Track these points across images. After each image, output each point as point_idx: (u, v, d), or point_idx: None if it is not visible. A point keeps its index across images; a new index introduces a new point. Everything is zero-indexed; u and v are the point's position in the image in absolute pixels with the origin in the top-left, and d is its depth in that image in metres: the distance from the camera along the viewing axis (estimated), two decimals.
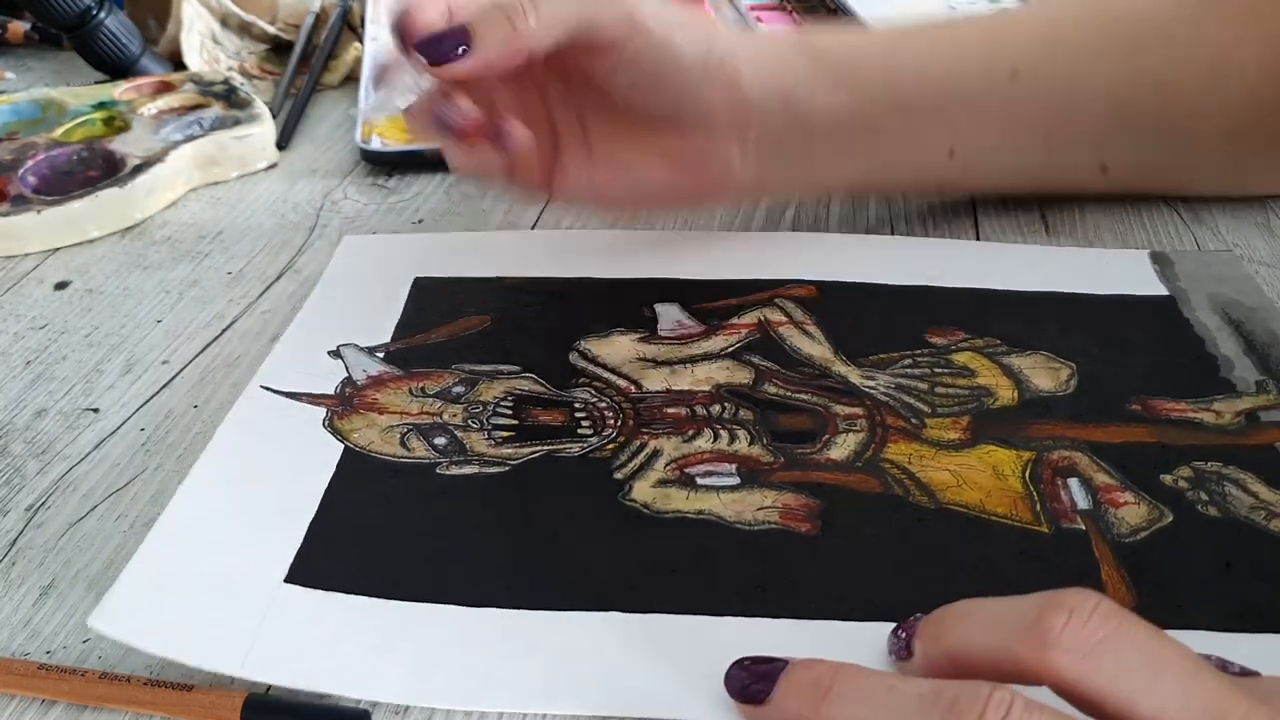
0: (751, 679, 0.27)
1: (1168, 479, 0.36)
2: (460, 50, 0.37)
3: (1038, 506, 0.35)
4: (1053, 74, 0.46)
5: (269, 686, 0.30)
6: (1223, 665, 0.26)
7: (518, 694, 0.29)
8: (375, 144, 0.60)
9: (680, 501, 0.35)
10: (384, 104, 0.40)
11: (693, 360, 0.42)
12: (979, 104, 0.46)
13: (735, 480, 0.36)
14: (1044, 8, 0.49)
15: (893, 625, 0.29)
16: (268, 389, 0.41)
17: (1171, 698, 0.23)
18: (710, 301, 0.45)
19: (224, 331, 0.46)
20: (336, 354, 0.43)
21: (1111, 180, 0.50)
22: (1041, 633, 0.24)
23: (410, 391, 0.41)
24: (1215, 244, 0.49)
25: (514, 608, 0.31)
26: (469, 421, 0.39)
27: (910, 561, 0.33)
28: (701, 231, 0.52)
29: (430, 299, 0.46)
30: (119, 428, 0.41)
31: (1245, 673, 0.26)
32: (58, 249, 0.53)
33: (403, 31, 0.38)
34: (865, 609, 0.31)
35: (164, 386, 0.43)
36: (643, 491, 0.36)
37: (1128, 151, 0.49)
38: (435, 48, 0.38)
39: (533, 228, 0.53)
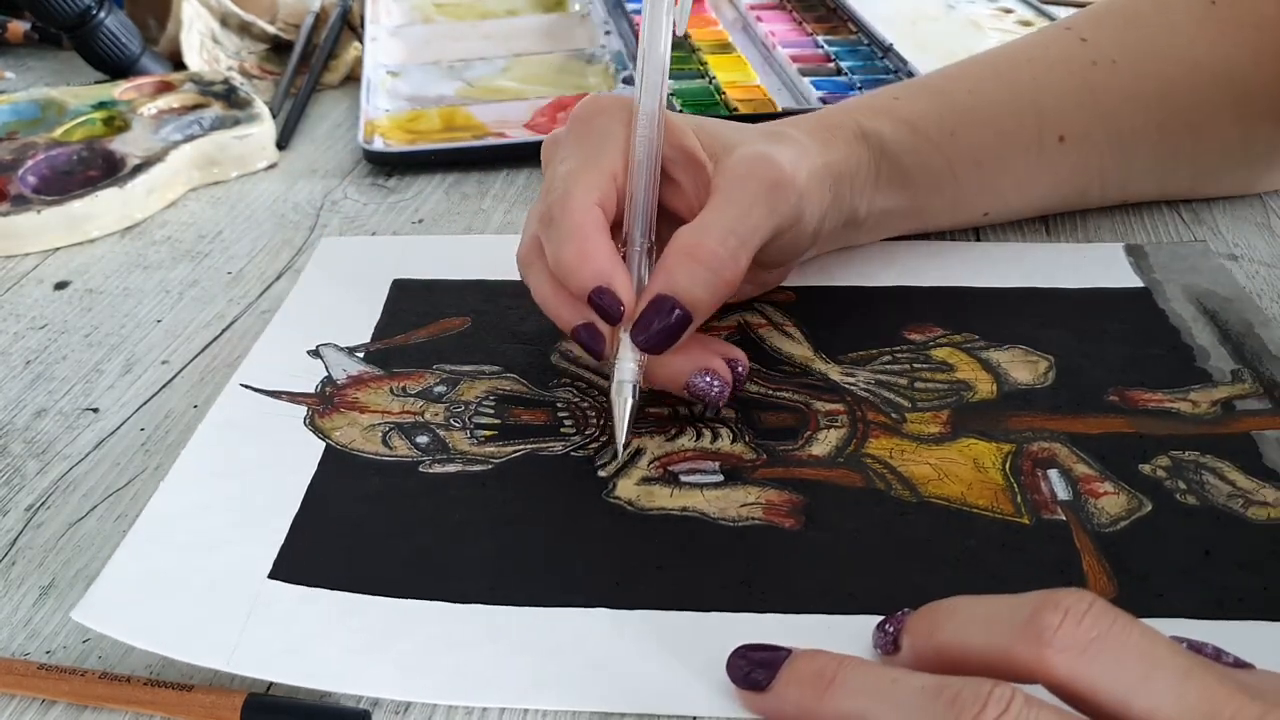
0: (753, 666, 0.28)
1: (1146, 469, 0.36)
2: (680, 328, 0.36)
3: (1018, 498, 0.35)
4: (1102, 133, 0.48)
5: (269, 685, 0.30)
6: (1217, 655, 0.26)
7: (507, 690, 0.29)
8: (378, 144, 0.60)
9: (664, 499, 0.35)
10: (621, 376, 0.37)
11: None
12: (1025, 173, 0.48)
13: (719, 477, 0.36)
14: (1078, 47, 0.49)
15: (879, 618, 0.29)
16: (248, 387, 0.41)
17: (1165, 696, 0.23)
18: None
19: (224, 331, 0.46)
20: (316, 354, 0.43)
21: (1125, 200, 0.52)
22: (1037, 631, 0.24)
23: (391, 391, 0.41)
24: (1216, 244, 0.49)
25: (500, 604, 0.32)
26: (451, 421, 0.39)
27: (894, 555, 0.33)
28: None
29: (409, 300, 0.46)
30: (119, 428, 0.41)
31: (1240, 664, 0.26)
32: (57, 249, 0.53)
33: (609, 319, 0.36)
34: (850, 602, 0.32)
35: (164, 386, 0.43)
36: (627, 489, 0.36)
37: (1152, 183, 0.51)
38: (663, 339, 0.36)
39: None
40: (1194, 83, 0.48)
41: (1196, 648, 0.26)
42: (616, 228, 0.38)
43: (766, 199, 0.38)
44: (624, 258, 0.38)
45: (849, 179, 0.43)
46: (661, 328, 0.36)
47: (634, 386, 0.36)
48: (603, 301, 0.36)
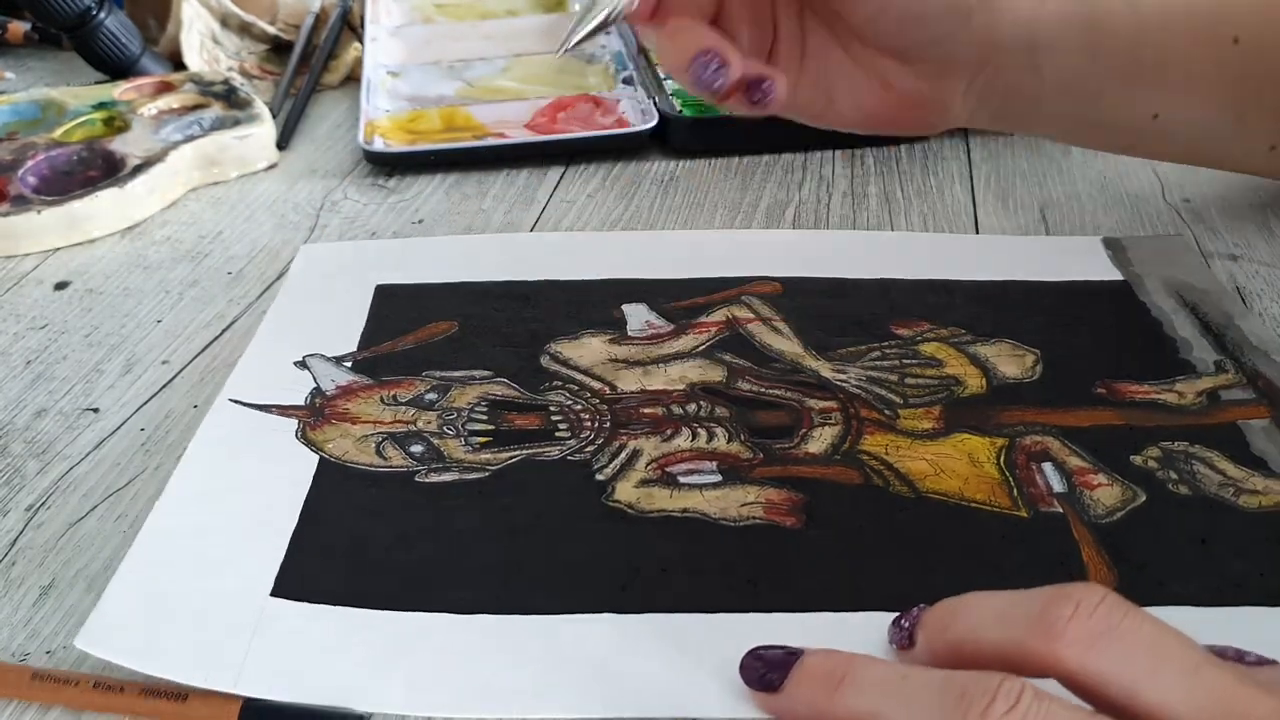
0: (766, 667, 0.28)
1: (1138, 460, 0.36)
2: None
3: (1015, 492, 0.35)
4: (1273, 42, 0.45)
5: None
6: (1239, 656, 0.26)
7: (516, 700, 0.29)
8: (378, 144, 0.60)
9: (664, 501, 0.35)
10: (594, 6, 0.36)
11: (665, 360, 0.42)
12: (1197, 69, 0.45)
13: (717, 478, 0.36)
14: None
15: (884, 613, 0.29)
16: (237, 402, 0.40)
17: (1175, 689, 0.23)
18: (677, 301, 0.45)
19: (224, 331, 0.46)
20: (303, 365, 0.42)
21: (1274, 162, 0.49)
22: (1048, 624, 0.24)
23: (382, 400, 0.40)
24: (1215, 243, 0.49)
25: (506, 614, 0.31)
26: (444, 428, 0.39)
27: (895, 551, 0.33)
28: (664, 231, 0.52)
29: (394, 306, 0.46)
30: (119, 428, 0.41)
31: (1263, 661, 0.26)
32: (58, 249, 0.53)
33: None
34: (855, 599, 0.32)
35: (164, 386, 0.43)
36: (626, 492, 0.36)
37: None
38: None
39: (532, 229, 0.53)
40: None
41: (1219, 652, 0.26)
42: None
43: None
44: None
45: (1033, 7, 0.40)
46: None
47: (614, 9, 0.36)
48: None
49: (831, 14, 0.40)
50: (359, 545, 0.34)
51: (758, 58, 0.40)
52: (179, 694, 0.29)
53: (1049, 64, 0.42)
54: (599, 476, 0.36)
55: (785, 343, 0.43)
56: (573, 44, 0.36)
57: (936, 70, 0.41)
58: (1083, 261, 0.47)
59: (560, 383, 0.41)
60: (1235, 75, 0.45)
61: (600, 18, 0.35)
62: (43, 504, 0.37)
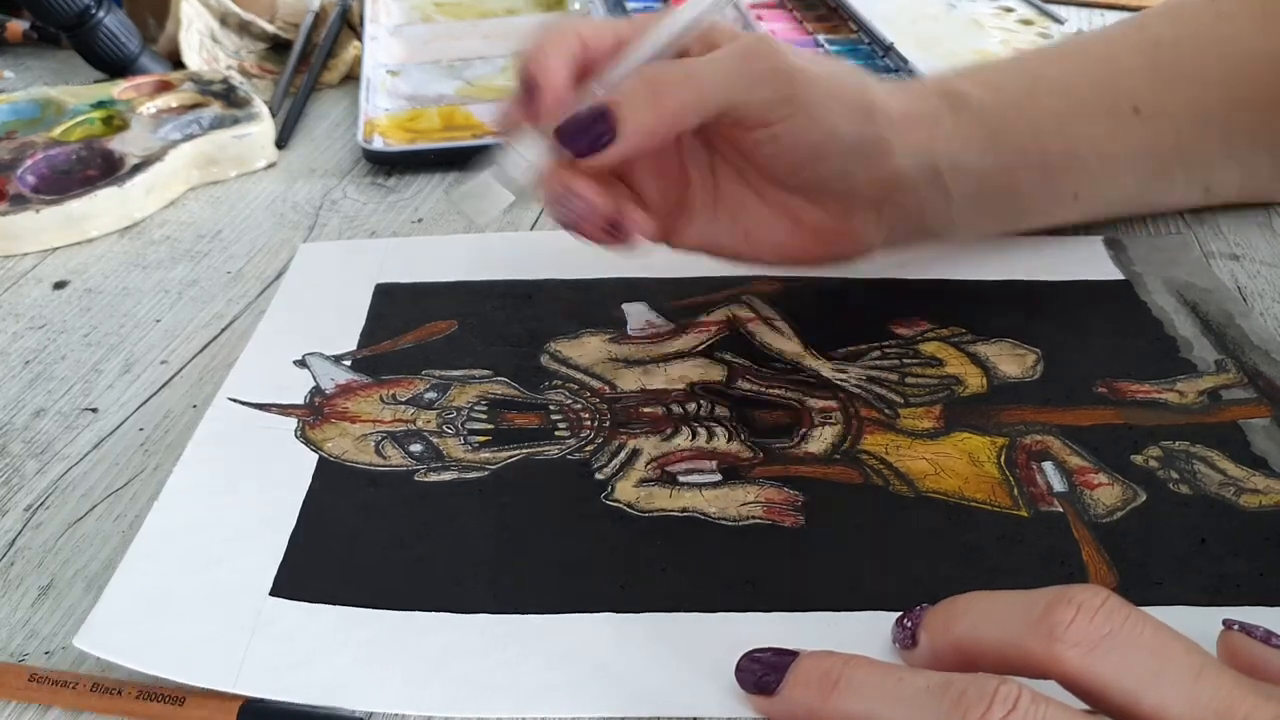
0: (763, 670, 0.28)
1: (1138, 459, 0.36)
2: (604, 140, 0.34)
3: (1015, 491, 0.35)
4: (1173, 107, 0.47)
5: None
6: (1267, 637, 0.27)
7: (514, 699, 0.29)
8: (377, 143, 0.60)
9: (664, 500, 0.35)
10: (494, 181, 0.36)
11: (665, 359, 0.42)
12: (1107, 145, 0.46)
13: (717, 477, 0.36)
14: (1139, 32, 0.49)
15: (883, 613, 0.29)
16: (235, 401, 0.40)
17: (1176, 692, 0.23)
18: (677, 300, 0.45)
19: (223, 331, 0.46)
20: (302, 363, 0.42)
21: (1212, 197, 0.50)
22: (1049, 626, 0.24)
23: (381, 399, 0.40)
24: (1216, 243, 0.49)
25: (505, 613, 0.31)
26: (444, 427, 0.39)
27: (895, 550, 0.33)
28: None
29: (393, 305, 0.46)
30: (118, 427, 0.41)
31: None
32: (56, 248, 0.53)
33: (530, 100, 0.35)
34: (854, 599, 0.32)
35: (163, 386, 0.43)
36: (625, 491, 0.36)
37: (1234, 171, 0.50)
38: (578, 139, 0.35)
39: (532, 229, 0.53)
40: (1255, 70, 0.47)
41: (1248, 630, 0.27)
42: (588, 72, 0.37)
43: (738, 59, 0.37)
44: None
45: (926, 126, 0.41)
46: (582, 119, 0.35)
47: (526, 164, 0.36)
48: (526, 76, 0.36)
49: (739, 158, 0.40)
50: (358, 544, 0.34)
51: (671, 207, 0.40)
52: (176, 697, 0.29)
53: (955, 182, 0.42)
54: (598, 476, 0.36)
55: (785, 342, 0.43)
56: (481, 223, 0.38)
57: (843, 206, 0.41)
58: (1084, 260, 0.47)
59: (560, 382, 0.41)
60: (1145, 143, 0.47)
61: (502, 199, 0.37)
62: (41, 504, 0.37)
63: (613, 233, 0.37)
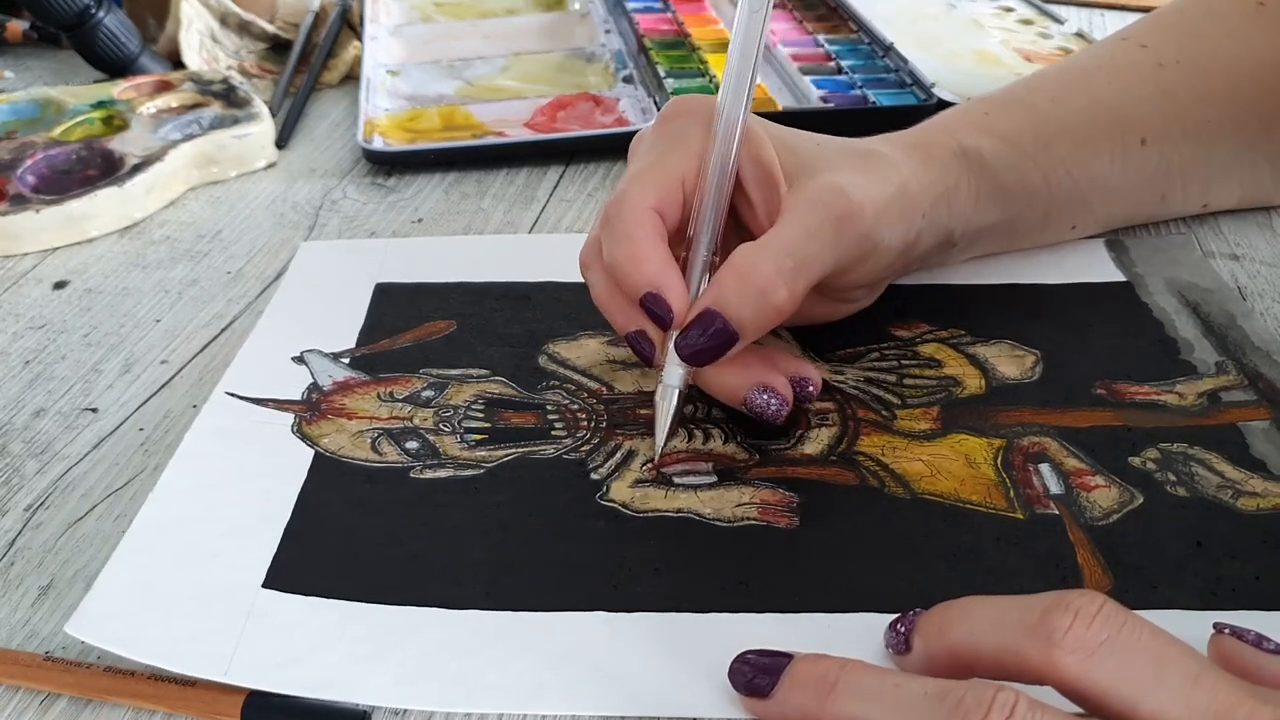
0: (756, 672, 0.28)
1: (1136, 461, 0.36)
2: (725, 349, 0.35)
3: (1011, 493, 0.35)
4: (1179, 132, 0.47)
5: None
6: (1259, 641, 0.27)
7: (505, 695, 0.29)
8: (377, 143, 0.60)
9: (659, 500, 0.35)
10: (667, 389, 0.37)
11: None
12: (1112, 179, 0.47)
13: (712, 478, 0.36)
14: (1142, 54, 0.49)
15: (877, 615, 0.29)
16: (233, 395, 0.40)
17: (1174, 699, 0.23)
18: None
19: (223, 331, 0.46)
20: (300, 360, 0.42)
21: (1208, 210, 0.51)
22: (1046, 632, 0.24)
23: (379, 396, 0.40)
24: (1217, 243, 0.49)
25: (498, 610, 0.31)
26: (440, 425, 0.39)
27: (889, 552, 0.33)
28: None
29: (393, 304, 0.46)
30: (118, 427, 0.41)
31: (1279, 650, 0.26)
32: (56, 248, 0.53)
33: (659, 318, 0.36)
34: (848, 601, 0.32)
35: (163, 386, 0.43)
36: (620, 491, 0.36)
37: (1234, 185, 0.50)
38: (706, 355, 0.35)
39: (531, 228, 0.53)
40: (1259, 79, 0.48)
41: (1239, 634, 0.27)
42: (680, 232, 0.38)
43: (831, 231, 0.37)
44: (687, 262, 0.37)
45: (946, 199, 0.42)
46: (705, 345, 0.35)
47: (678, 392, 0.36)
48: (654, 307, 0.35)
49: None
50: (352, 539, 0.34)
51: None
52: (187, 680, 0.30)
53: (964, 237, 0.44)
54: (594, 476, 0.36)
55: (783, 344, 0.43)
56: (662, 448, 0.37)
57: (867, 291, 0.43)
58: (1085, 262, 0.47)
59: (557, 382, 0.41)
60: (1149, 172, 0.48)
61: (674, 405, 0.37)
62: (41, 504, 0.37)
63: (802, 401, 0.38)
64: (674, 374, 0.36)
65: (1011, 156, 0.44)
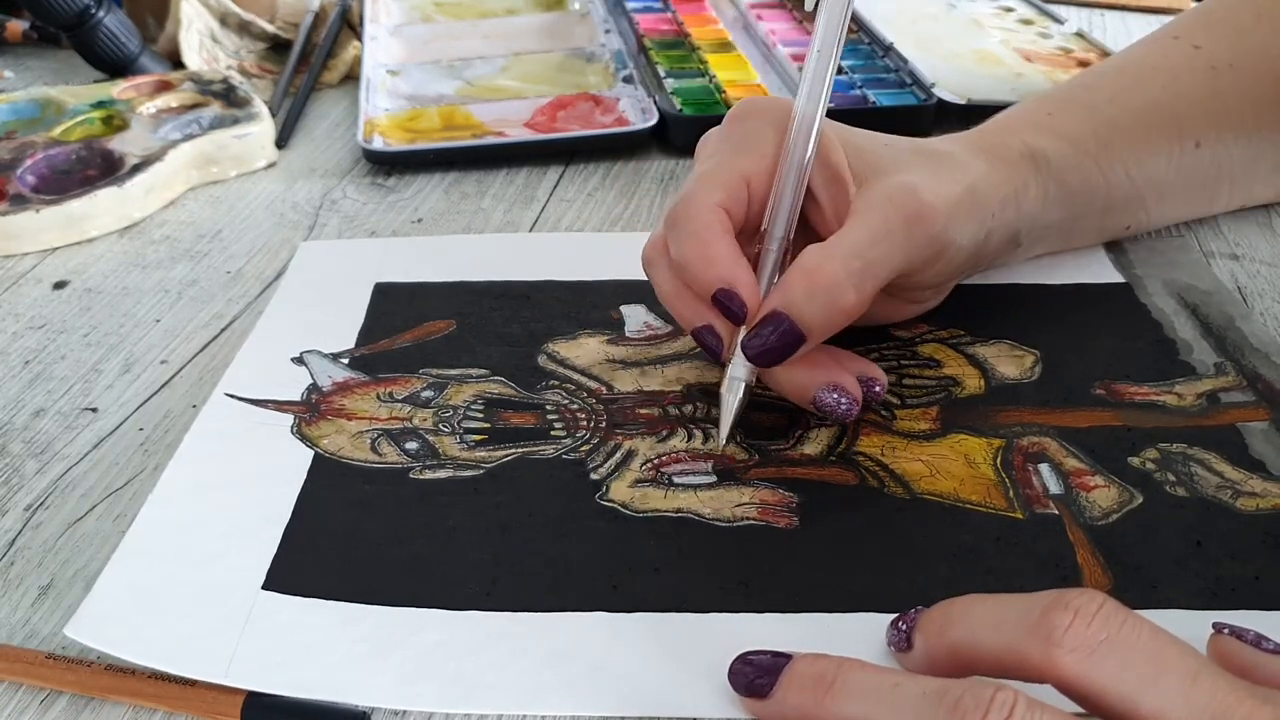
0: (756, 673, 0.28)
1: (1135, 461, 0.36)
2: (793, 350, 0.36)
3: (1011, 493, 0.35)
4: (1231, 134, 0.48)
5: None
6: (1258, 641, 0.27)
7: (505, 696, 0.29)
8: (377, 143, 0.60)
9: (658, 500, 0.35)
10: (734, 382, 0.37)
11: (663, 361, 0.42)
12: (1167, 181, 0.47)
13: (712, 478, 0.36)
14: (1194, 55, 0.49)
15: (877, 615, 0.29)
16: (233, 396, 0.40)
17: (1174, 697, 0.23)
18: None
19: (223, 331, 0.46)
20: (300, 361, 0.42)
21: (1249, 204, 0.52)
22: (1046, 631, 0.24)
23: (378, 397, 0.40)
24: (1216, 243, 0.49)
25: (498, 610, 0.31)
26: (440, 426, 0.39)
27: (889, 552, 0.33)
28: None
29: (392, 304, 0.46)
30: (118, 427, 0.41)
31: (1278, 650, 0.27)
32: (56, 248, 0.53)
33: (731, 313, 0.36)
34: (848, 600, 0.32)
35: (163, 386, 0.43)
36: (620, 491, 0.36)
37: (1272, 190, 0.51)
38: (774, 356, 0.36)
39: (531, 228, 0.53)
40: None
41: (1238, 634, 0.27)
42: (744, 232, 0.38)
43: (901, 232, 0.37)
44: (758, 257, 0.37)
45: (1015, 200, 0.42)
46: (772, 345, 0.35)
47: (745, 385, 0.36)
48: (728, 303, 0.36)
49: None
50: (352, 540, 0.34)
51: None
52: (187, 679, 0.30)
53: (1028, 236, 0.45)
54: (593, 476, 0.36)
55: None
56: (726, 434, 0.37)
57: (935, 291, 0.43)
58: (1084, 263, 0.47)
59: (557, 382, 0.41)
60: (1202, 173, 0.48)
61: (740, 399, 0.37)
62: (41, 504, 0.37)
63: (872, 390, 0.38)
64: (740, 366, 0.36)
65: (1075, 157, 0.45)
